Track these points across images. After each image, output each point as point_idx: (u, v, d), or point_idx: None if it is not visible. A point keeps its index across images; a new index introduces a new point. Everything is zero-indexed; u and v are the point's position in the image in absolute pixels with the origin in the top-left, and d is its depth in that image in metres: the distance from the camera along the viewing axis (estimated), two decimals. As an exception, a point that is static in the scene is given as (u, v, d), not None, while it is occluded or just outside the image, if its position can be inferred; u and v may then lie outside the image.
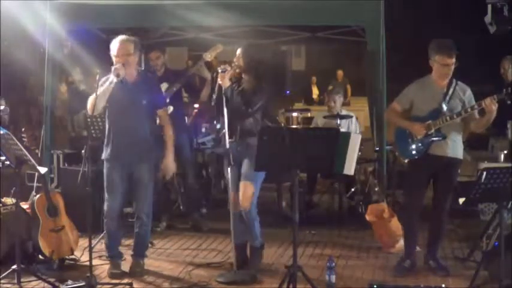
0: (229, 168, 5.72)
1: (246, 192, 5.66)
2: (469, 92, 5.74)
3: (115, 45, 5.68)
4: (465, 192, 5.13)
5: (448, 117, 5.61)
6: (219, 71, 5.72)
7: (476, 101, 5.64)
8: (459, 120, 5.70)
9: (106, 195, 5.79)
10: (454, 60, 5.61)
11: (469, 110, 5.59)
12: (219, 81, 5.69)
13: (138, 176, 5.76)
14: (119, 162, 5.74)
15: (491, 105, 5.43)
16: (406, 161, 5.94)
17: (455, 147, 5.74)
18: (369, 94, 7.80)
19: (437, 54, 5.63)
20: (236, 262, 5.76)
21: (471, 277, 5.29)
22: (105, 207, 5.80)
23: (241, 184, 5.68)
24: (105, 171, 5.77)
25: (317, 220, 7.67)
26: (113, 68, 5.57)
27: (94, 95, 5.51)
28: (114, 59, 5.66)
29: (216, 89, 5.75)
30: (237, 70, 5.79)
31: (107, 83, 5.57)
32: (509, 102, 5.49)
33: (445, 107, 5.66)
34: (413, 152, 5.76)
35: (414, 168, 5.85)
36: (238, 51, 5.82)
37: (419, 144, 5.72)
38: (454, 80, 5.73)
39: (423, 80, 5.84)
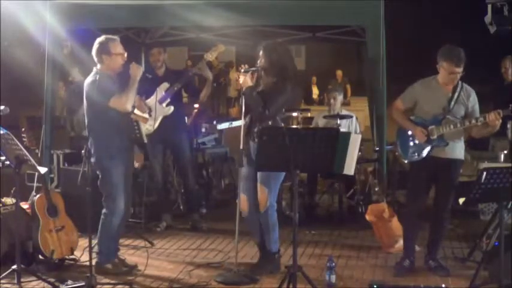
0: (239, 169, 5.76)
1: (261, 195, 5.73)
2: (473, 96, 5.73)
3: (118, 43, 5.75)
4: (465, 192, 5.12)
5: (451, 126, 5.60)
6: (241, 70, 5.75)
7: (479, 102, 5.66)
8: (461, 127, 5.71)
9: (117, 195, 5.71)
10: (461, 69, 5.61)
11: (473, 121, 5.58)
12: (240, 81, 5.72)
13: (130, 170, 5.90)
14: (122, 159, 5.77)
15: (495, 120, 5.46)
16: (406, 161, 5.95)
17: (456, 148, 5.74)
18: (369, 94, 7.81)
19: (445, 61, 5.62)
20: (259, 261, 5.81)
21: (471, 277, 5.29)
22: (117, 207, 5.72)
23: (258, 186, 5.75)
24: (113, 169, 5.70)
25: (317, 220, 7.67)
26: (136, 67, 5.70)
27: (125, 93, 5.59)
28: (118, 57, 5.71)
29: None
30: (262, 72, 5.77)
31: (132, 80, 5.66)
32: None
33: (448, 112, 5.67)
34: (414, 155, 5.78)
35: (415, 169, 5.87)
36: (261, 51, 5.78)
37: (420, 148, 5.73)
38: (460, 83, 5.72)
39: (429, 80, 5.82)
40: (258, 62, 5.77)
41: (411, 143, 5.79)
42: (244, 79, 5.70)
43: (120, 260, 5.96)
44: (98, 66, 5.76)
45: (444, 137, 5.66)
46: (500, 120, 5.47)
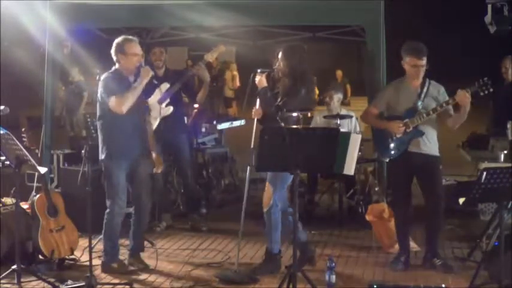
0: (248, 167, 5.79)
1: (266, 194, 5.75)
2: (442, 90, 5.87)
3: (134, 44, 5.76)
4: (465, 192, 5.13)
5: (424, 115, 5.73)
6: (258, 71, 5.80)
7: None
8: (435, 117, 5.79)
9: (115, 195, 5.72)
10: (424, 62, 5.74)
11: (444, 104, 5.70)
12: (256, 81, 5.76)
13: (141, 172, 5.87)
14: (125, 160, 5.76)
15: (464, 97, 5.55)
16: (386, 160, 6.00)
17: (429, 144, 5.83)
18: (369, 94, 7.80)
19: (408, 56, 5.77)
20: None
21: (471, 277, 5.29)
22: (116, 207, 5.74)
23: (266, 184, 5.78)
24: (114, 169, 5.71)
25: (317, 220, 7.67)
26: (147, 70, 5.72)
27: (125, 95, 5.60)
28: (134, 58, 5.72)
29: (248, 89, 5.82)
30: (280, 74, 5.79)
31: (138, 82, 5.69)
32: (481, 93, 5.61)
33: (420, 106, 5.79)
34: (394, 151, 5.87)
35: (394, 167, 5.98)
36: (280, 54, 5.79)
37: (399, 143, 5.83)
38: (428, 80, 5.85)
39: (398, 81, 5.97)
40: (276, 64, 5.80)
41: (389, 140, 5.88)
42: (260, 79, 5.78)
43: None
44: (116, 65, 5.79)
45: (419, 128, 5.76)
46: (470, 97, 5.55)
